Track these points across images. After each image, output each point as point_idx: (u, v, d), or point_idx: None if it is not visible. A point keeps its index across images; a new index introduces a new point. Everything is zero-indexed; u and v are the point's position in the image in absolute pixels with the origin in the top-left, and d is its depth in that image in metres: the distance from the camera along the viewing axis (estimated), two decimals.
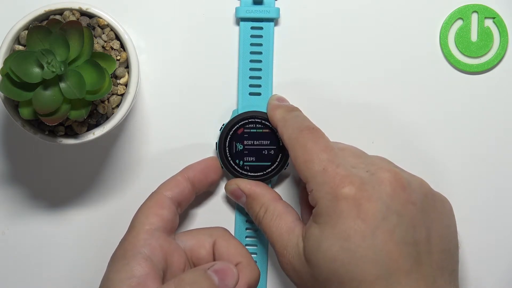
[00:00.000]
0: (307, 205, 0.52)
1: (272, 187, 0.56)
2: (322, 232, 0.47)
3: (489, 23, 0.56)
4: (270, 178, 0.55)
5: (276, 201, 0.52)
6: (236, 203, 0.55)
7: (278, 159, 0.55)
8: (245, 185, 0.54)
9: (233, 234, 0.55)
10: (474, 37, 0.56)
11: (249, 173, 0.55)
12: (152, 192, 0.53)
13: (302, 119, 0.51)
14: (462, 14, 0.56)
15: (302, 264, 0.49)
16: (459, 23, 0.56)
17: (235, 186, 0.54)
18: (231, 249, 0.52)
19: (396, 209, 0.47)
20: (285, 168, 0.55)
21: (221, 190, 0.57)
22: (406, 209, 0.47)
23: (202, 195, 0.56)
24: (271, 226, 0.51)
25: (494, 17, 0.56)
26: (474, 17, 0.56)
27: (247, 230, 0.56)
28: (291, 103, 0.55)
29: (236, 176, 0.55)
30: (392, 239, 0.46)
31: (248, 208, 0.54)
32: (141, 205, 0.52)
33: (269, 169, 0.55)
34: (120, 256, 0.50)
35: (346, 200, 0.47)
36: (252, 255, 0.55)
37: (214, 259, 0.52)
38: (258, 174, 0.55)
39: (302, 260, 0.49)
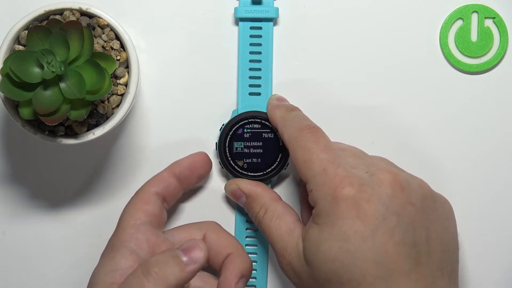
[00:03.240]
0: (307, 205, 0.52)
1: (272, 187, 0.56)
2: (321, 233, 0.47)
3: (489, 23, 0.56)
4: (270, 178, 0.55)
5: (276, 202, 0.52)
6: (236, 203, 0.55)
7: (278, 159, 0.55)
8: (245, 185, 0.54)
9: (225, 229, 0.54)
10: (474, 37, 0.56)
11: (249, 173, 0.55)
12: (138, 190, 0.53)
13: (302, 119, 0.51)
14: (462, 14, 0.56)
15: (302, 265, 0.49)
16: (459, 23, 0.56)
17: (235, 186, 0.54)
18: (222, 240, 0.52)
19: (396, 210, 0.47)
20: (285, 168, 0.55)
21: (221, 190, 0.57)
22: (405, 210, 0.47)
23: (201, 195, 0.56)
24: (271, 227, 0.51)
25: (494, 17, 0.56)
26: (474, 17, 0.56)
27: (247, 230, 0.56)
28: (291, 101, 0.55)
29: (236, 176, 0.55)
30: (392, 240, 0.46)
31: (248, 209, 0.54)
32: (127, 203, 0.53)
33: (269, 169, 0.55)
34: (106, 251, 0.50)
35: (346, 201, 0.47)
36: (252, 255, 0.55)
37: None
38: (258, 174, 0.55)
39: (302, 261, 0.48)
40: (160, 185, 0.53)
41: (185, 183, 0.54)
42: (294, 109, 0.53)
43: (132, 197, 0.53)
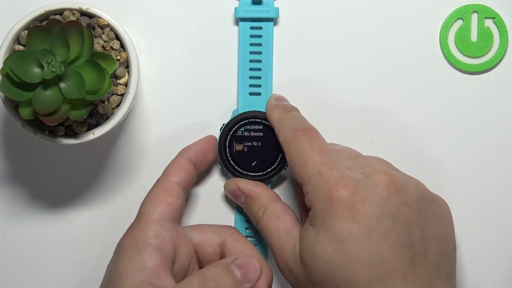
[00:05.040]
0: (304, 206, 0.51)
1: (272, 187, 0.56)
2: (317, 235, 0.47)
3: (489, 23, 0.56)
4: (269, 178, 0.55)
5: (275, 202, 0.52)
6: (236, 203, 0.55)
7: (278, 160, 0.55)
8: (245, 185, 0.54)
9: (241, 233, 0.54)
10: (474, 37, 0.56)
11: (248, 173, 0.55)
12: (159, 178, 0.52)
13: (299, 120, 0.51)
14: (462, 14, 0.56)
15: (298, 266, 0.48)
16: (459, 23, 0.56)
17: (234, 186, 0.54)
18: (243, 249, 0.52)
19: (391, 211, 0.47)
20: (285, 169, 0.55)
21: (221, 190, 0.57)
22: (400, 211, 0.47)
23: (201, 194, 0.56)
24: (270, 227, 0.51)
25: (494, 17, 0.56)
26: (474, 17, 0.56)
27: (247, 230, 0.56)
28: (291, 101, 0.55)
29: (236, 176, 0.55)
30: (387, 241, 0.46)
31: (247, 208, 0.53)
32: (149, 192, 0.52)
33: (269, 169, 0.55)
34: (130, 245, 0.49)
35: (340, 203, 0.47)
36: None
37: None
38: (258, 174, 0.55)
39: (298, 262, 0.48)
40: (181, 173, 0.52)
41: (199, 169, 0.54)
42: (291, 109, 0.53)
43: (155, 185, 0.52)
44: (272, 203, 0.52)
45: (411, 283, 0.46)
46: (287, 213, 0.52)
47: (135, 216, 0.51)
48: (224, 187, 0.55)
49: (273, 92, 0.55)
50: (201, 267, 0.52)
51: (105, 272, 0.49)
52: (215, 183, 0.57)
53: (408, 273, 0.46)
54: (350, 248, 0.46)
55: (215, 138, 0.55)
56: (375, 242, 0.46)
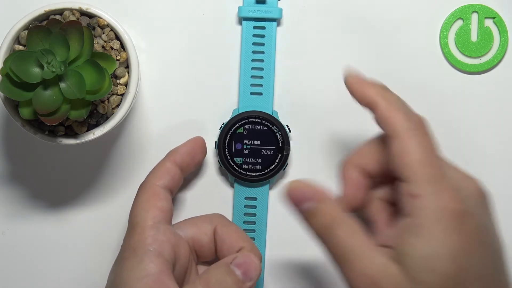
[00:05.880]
0: (383, 205, 0.49)
1: (271, 187, 0.56)
2: (429, 247, 0.44)
3: (489, 23, 0.56)
4: (269, 178, 0.55)
5: (347, 214, 0.47)
6: (232, 207, 0.55)
7: (277, 159, 0.55)
8: (316, 189, 0.47)
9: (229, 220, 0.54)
10: (474, 37, 0.56)
11: (248, 173, 0.55)
12: (143, 184, 0.52)
13: (409, 106, 0.47)
14: (462, 14, 0.56)
15: (397, 282, 0.44)
16: (459, 23, 0.56)
17: (308, 188, 0.47)
18: (233, 234, 0.52)
19: (486, 221, 0.46)
20: (284, 169, 0.55)
21: (219, 191, 0.56)
22: (490, 219, 0.47)
23: (199, 194, 0.56)
24: (348, 242, 0.45)
25: (494, 17, 0.56)
26: (474, 17, 0.56)
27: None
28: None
29: (235, 175, 0.55)
30: (489, 252, 0.45)
31: (311, 216, 0.47)
32: (136, 199, 0.51)
33: (268, 169, 0.55)
34: (130, 255, 0.48)
35: (454, 216, 0.44)
36: None
37: (216, 246, 0.52)
38: (257, 174, 0.55)
39: (397, 277, 0.44)
40: (166, 177, 0.52)
41: (186, 171, 0.54)
42: (388, 89, 0.48)
43: (140, 191, 0.52)
44: (345, 214, 0.46)
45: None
46: (360, 226, 0.46)
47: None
48: (289, 185, 0.47)
49: (274, 93, 0.55)
50: (198, 261, 0.52)
51: (107, 282, 0.49)
52: (214, 183, 0.57)
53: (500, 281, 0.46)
54: (464, 262, 0.44)
55: (202, 138, 0.55)
56: (484, 255, 0.45)
